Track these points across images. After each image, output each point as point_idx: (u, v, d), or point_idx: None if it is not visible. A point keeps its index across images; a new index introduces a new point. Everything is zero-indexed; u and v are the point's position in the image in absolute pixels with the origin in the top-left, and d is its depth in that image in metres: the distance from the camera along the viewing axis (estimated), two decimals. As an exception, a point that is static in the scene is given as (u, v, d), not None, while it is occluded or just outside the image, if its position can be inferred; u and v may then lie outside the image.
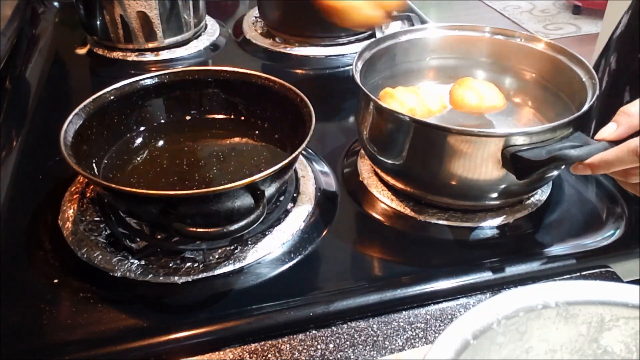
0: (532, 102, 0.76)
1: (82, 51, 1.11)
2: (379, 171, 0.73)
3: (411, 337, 0.56)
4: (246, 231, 0.56)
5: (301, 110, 0.69)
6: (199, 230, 0.55)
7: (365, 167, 0.76)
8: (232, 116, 0.79)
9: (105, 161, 0.71)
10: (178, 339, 0.55)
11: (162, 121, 0.78)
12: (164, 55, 1.09)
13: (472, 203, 0.68)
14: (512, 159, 0.60)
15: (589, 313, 0.39)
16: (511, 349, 0.39)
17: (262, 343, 0.55)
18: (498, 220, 0.68)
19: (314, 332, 0.56)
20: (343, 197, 0.73)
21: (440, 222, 0.68)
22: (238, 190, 0.57)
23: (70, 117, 0.66)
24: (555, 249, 0.65)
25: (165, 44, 1.09)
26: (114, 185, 0.58)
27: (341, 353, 0.55)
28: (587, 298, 0.39)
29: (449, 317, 0.58)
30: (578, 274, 0.63)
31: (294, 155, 0.61)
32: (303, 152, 0.67)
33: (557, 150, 0.58)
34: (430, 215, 0.69)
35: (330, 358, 0.54)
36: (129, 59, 1.08)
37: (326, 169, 0.77)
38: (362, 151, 0.78)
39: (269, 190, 0.61)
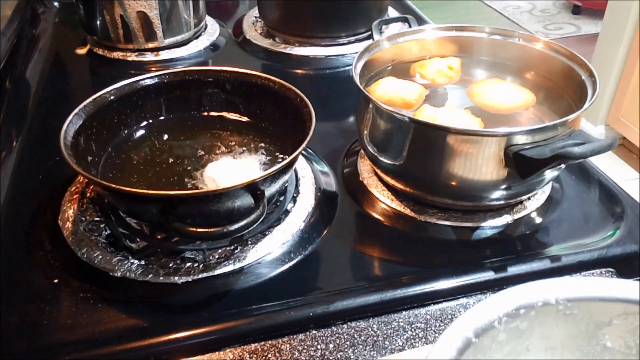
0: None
1: (82, 51, 1.11)
2: (379, 171, 0.73)
3: (411, 337, 0.56)
4: (246, 231, 0.56)
5: (301, 110, 0.69)
6: (199, 230, 0.55)
7: (365, 167, 0.76)
8: (232, 116, 0.79)
9: (105, 161, 0.71)
10: (178, 339, 0.55)
11: (162, 121, 0.78)
12: (164, 55, 1.09)
13: (473, 203, 0.68)
14: (515, 158, 0.60)
15: (588, 310, 0.39)
16: (512, 347, 0.39)
17: (262, 343, 0.55)
18: (498, 221, 0.68)
19: (314, 332, 0.56)
20: (343, 197, 0.73)
21: (441, 222, 0.68)
22: (238, 190, 0.57)
23: (70, 117, 0.66)
24: (556, 249, 0.65)
25: (165, 44, 1.09)
26: (114, 185, 0.58)
27: (341, 353, 0.54)
28: (587, 295, 0.39)
29: (449, 317, 0.58)
30: (578, 273, 0.63)
31: (294, 155, 0.61)
32: (303, 152, 0.67)
33: (560, 149, 0.58)
34: (431, 215, 0.68)
35: (330, 358, 0.54)
36: (129, 59, 1.08)
37: (326, 169, 0.77)
38: (362, 151, 0.78)
39: (269, 190, 0.61)
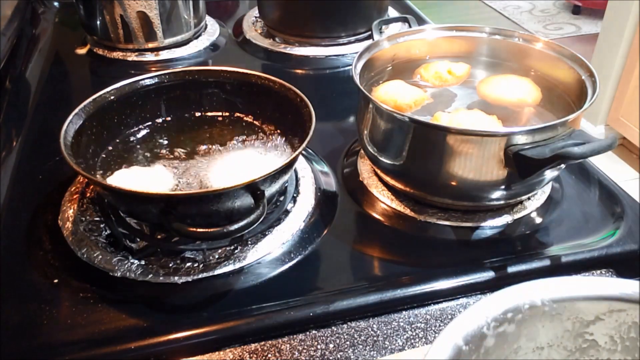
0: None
1: (82, 51, 1.11)
2: (379, 171, 0.73)
3: (411, 337, 0.56)
4: (246, 231, 0.56)
5: (301, 110, 0.69)
6: (199, 230, 0.55)
7: (365, 167, 0.76)
8: (232, 116, 0.79)
9: (105, 161, 0.71)
10: (178, 339, 0.55)
11: (162, 121, 0.78)
12: (164, 55, 1.09)
13: (473, 203, 0.68)
14: (515, 158, 0.60)
15: (574, 309, 0.39)
16: (500, 351, 0.39)
17: (262, 343, 0.55)
18: (498, 220, 0.68)
19: (314, 332, 0.56)
20: (343, 197, 0.73)
21: (441, 222, 0.68)
22: (238, 190, 0.57)
23: (70, 117, 0.66)
24: (555, 249, 0.65)
25: (165, 44, 1.09)
26: (114, 185, 0.58)
27: (341, 353, 0.55)
28: (572, 294, 0.39)
29: (449, 317, 0.58)
30: (578, 273, 0.63)
31: (294, 155, 0.61)
32: (303, 152, 0.67)
33: (560, 148, 0.58)
34: (430, 215, 0.68)
35: (330, 358, 0.54)
36: (129, 59, 1.08)
37: (326, 169, 0.77)
38: (362, 151, 0.78)
39: (269, 190, 0.61)
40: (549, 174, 0.66)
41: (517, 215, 0.69)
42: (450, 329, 0.37)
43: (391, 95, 0.73)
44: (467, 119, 0.67)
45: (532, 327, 0.40)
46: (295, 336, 0.56)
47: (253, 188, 0.58)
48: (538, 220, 0.69)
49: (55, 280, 0.61)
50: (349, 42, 1.12)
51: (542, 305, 0.39)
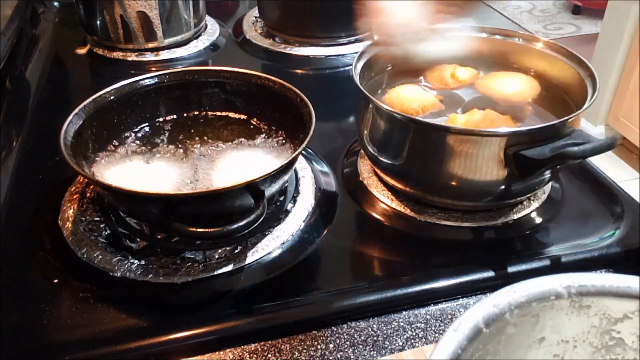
0: (532, 101, 0.76)
1: (82, 51, 1.11)
2: (379, 171, 0.73)
3: (411, 337, 0.56)
4: (246, 231, 0.56)
5: (301, 110, 0.69)
6: (199, 230, 0.55)
7: (365, 167, 0.76)
8: (232, 116, 0.79)
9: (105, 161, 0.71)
10: (178, 339, 0.55)
11: (162, 121, 0.78)
12: (164, 55, 1.09)
13: (473, 203, 0.68)
14: (515, 158, 0.60)
15: (602, 305, 0.39)
16: (523, 340, 0.39)
17: (262, 343, 0.55)
18: (498, 221, 0.68)
19: (314, 332, 0.56)
20: (343, 197, 0.73)
21: (441, 222, 0.68)
22: (238, 190, 0.57)
23: (70, 117, 0.66)
24: (555, 249, 0.65)
25: (165, 44, 1.09)
26: (114, 185, 0.58)
27: (341, 353, 0.55)
28: (600, 290, 0.39)
29: (449, 317, 0.58)
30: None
31: (294, 155, 0.61)
32: (303, 152, 0.67)
33: (560, 148, 0.58)
34: (430, 215, 0.68)
35: (330, 358, 0.54)
36: (129, 59, 1.08)
37: (326, 169, 0.77)
38: (362, 151, 0.78)
39: (269, 190, 0.61)
40: (549, 174, 0.66)
41: (517, 215, 0.69)
42: (473, 310, 0.37)
43: (401, 98, 0.73)
44: (483, 120, 0.67)
45: (558, 319, 0.39)
46: (295, 336, 0.56)
47: (253, 188, 0.58)
48: (538, 220, 0.69)
49: (55, 280, 0.61)
50: (349, 42, 1.12)
51: (569, 298, 0.39)
